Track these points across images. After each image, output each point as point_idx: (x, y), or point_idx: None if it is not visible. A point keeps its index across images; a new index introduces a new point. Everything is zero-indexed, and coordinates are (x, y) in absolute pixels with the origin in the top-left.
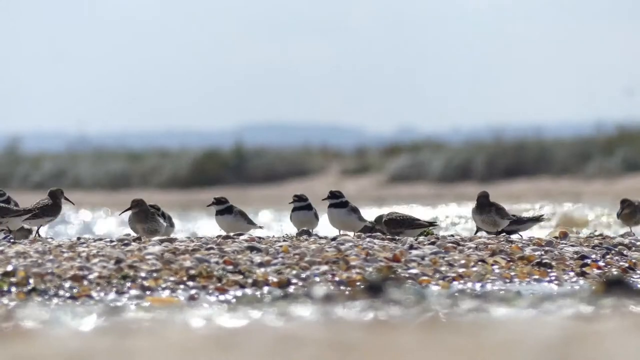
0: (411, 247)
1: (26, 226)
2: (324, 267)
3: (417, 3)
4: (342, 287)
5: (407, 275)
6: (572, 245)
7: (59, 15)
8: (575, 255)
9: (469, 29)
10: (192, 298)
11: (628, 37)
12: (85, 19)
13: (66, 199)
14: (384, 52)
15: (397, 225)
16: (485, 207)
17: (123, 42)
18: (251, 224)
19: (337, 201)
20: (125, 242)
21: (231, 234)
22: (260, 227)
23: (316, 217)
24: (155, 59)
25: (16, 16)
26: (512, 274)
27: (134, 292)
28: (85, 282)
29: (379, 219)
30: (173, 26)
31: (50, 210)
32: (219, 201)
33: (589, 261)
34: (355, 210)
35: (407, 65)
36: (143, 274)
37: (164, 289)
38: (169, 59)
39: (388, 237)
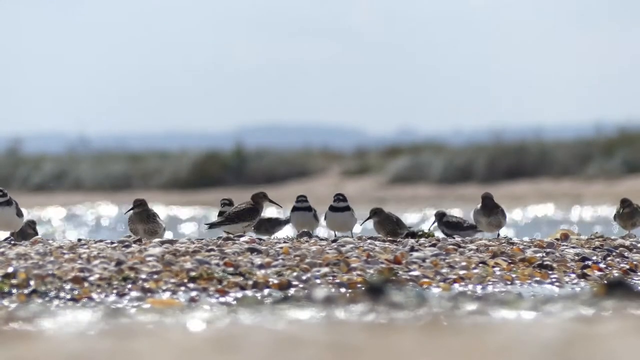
0: (412, 249)
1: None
2: (325, 269)
3: (417, 3)
4: (342, 289)
5: (408, 278)
6: (573, 247)
7: (59, 16)
8: (576, 257)
9: (469, 30)
10: (192, 300)
11: (629, 39)
12: (85, 20)
13: (271, 201)
14: (384, 52)
15: (455, 228)
16: (492, 209)
17: (123, 43)
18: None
19: (344, 204)
20: (126, 243)
21: (232, 235)
22: None
23: (316, 218)
24: (156, 60)
25: (16, 17)
26: (513, 275)
27: (134, 293)
28: (86, 284)
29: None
30: (173, 28)
31: (246, 215)
32: (224, 204)
33: (590, 263)
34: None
35: (407, 66)
36: (144, 276)
37: (164, 290)
38: (169, 60)
39: (389, 239)
